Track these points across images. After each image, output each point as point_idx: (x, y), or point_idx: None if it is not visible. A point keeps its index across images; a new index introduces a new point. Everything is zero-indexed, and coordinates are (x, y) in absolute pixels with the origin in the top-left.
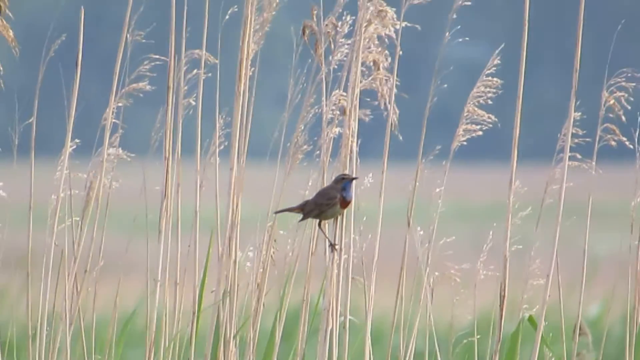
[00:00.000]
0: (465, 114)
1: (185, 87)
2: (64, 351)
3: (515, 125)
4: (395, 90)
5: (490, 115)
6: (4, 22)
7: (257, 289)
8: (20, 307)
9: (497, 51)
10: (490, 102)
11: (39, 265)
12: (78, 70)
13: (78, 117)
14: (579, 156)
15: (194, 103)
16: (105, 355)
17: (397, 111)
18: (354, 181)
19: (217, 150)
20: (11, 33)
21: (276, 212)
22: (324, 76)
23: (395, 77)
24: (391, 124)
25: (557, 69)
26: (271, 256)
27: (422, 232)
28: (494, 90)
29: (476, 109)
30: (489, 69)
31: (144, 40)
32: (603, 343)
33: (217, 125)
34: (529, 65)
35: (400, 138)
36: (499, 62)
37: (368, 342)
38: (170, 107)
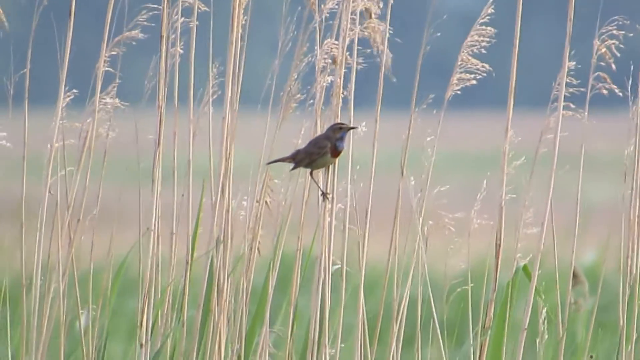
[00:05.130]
0: (459, 63)
1: (173, 36)
2: (58, 301)
3: (511, 74)
4: (388, 35)
5: (484, 64)
6: None
7: (250, 237)
8: (15, 257)
9: (491, 0)
10: (484, 51)
11: (33, 216)
12: (71, 19)
13: (76, 67)
14: (572, 105)
15: (182, 51)
16: (99, 304)
17: (391, 55)
18: (350, 131)
19: (211, 99)
20: None
21: (268, 163)
22: (317, 25)
23: (388, 25)
24: (385, 67)
25: (549, 18)
26: (266, 202)
27: (414, 182)
28: (488, 40)
29: (470, 57)
30: (483, 18)
31: None
32: (599, 291)
33: (211, 74)
34: (524, 14)
35: (394, 80)
36: (492, 11)
37: (361, 290)
38: (164, 56)
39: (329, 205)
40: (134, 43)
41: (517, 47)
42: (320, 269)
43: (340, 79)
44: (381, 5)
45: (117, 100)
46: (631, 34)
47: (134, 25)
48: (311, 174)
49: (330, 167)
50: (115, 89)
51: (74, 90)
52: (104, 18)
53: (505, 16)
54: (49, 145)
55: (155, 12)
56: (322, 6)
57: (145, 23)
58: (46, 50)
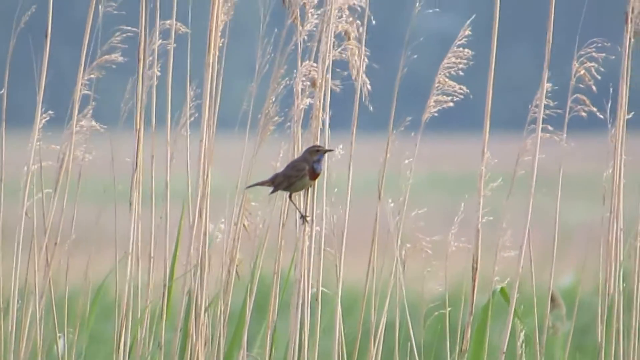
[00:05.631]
0: (436, 85)
1: (151, 58)
2: (35, 324)
3: (487, 96)
4: (366, 60)
5: (461, 86)
6: None
7: (228, 260)
8: None
9: (467, 22)
10: (461, 73)
11: (10, 238)
12: (47, 42)
13: (53, 89)
14: (550, 127)
15: (159, 73)
16: (77, 328)
17: (368, 81)
18: (326, 153)
19: (188, 121)
20: None
21: (247, 187)
22: (299, 44)
23: (364, 48)
24: (362, 94)
25: (526, 40)
26: (244, 225)
27: (392, 204)
28: (465, 62)
29: (447, 80)
30: (460, 40)
31: (115, 12)
32: (575, 314)
33: (188, 96)
34: (500, 36)
35: (371, 109)
36: (469, 33)
37: (339, 314)
38: (141, 78)
39: (308, 229)
40: (113, 66)
41: (493, 69)
42: (299, 293)
43: (320, 101)
44: (361, 30)
45: (94, 122)
46: (613, 57)
47: (110, 48)
48: (290, 197)
49: (310, 189)
50: (90, 111)
51: (50, 112)
52: (79, 40)
53: (482, 38)
54: (25, 168)
55: (129, 33)
56: (301, 28)
57: (119, 45)
58: (21, 71)
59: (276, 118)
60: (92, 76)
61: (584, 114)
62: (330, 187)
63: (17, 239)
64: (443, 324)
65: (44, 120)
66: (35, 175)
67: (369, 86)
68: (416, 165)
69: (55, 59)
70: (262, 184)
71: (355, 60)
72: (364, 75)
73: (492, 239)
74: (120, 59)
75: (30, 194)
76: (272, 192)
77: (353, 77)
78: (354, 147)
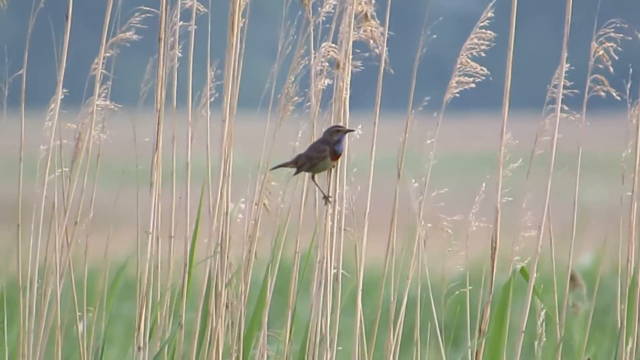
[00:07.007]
0: (458, 66)
1: (172, 39)
2: (55, 304)
3: (506, 76)
4: (387, 35)
5: (483, 67)
6: None
7: (248, 240)
8: (11, 259)
9: (490, 4)
10: (483, 54)
11: (29, 217)
12: (68, 23)
13: (67, 68)
14: (566, 107)
15: (180, 54)
16: (96, 307)
17: (387, 48)
18: (347, 133)
19: (209, 102)
20: None
21: (271, 169)
22: (312, 28)
23: (387, 27)
24: (384, 73)
25: (544, 21)
26: (264, 204)
27: (416, 184)
28: (487, 43)
29: (469, 61)
30: (482, 22)
31: None
32: (595, 294)
33: (209, 76)
34: (519, 17)
35: (392, 71)
36: (492, 15)
37: (359, 293)
38: (162, 58)
39: (330, 209)
40: (127, 45)
41: (512, 50)
42: (322, 273)
43: (343, 82)
44: (377, 6)
45: (110, 102)
46: (630, 38)
47: (128, 28)
48: (312, 177)
49: (332, 170)
50: (107, 91)
51: (65, 90)
52: (97, 19)
53: (500, 19)
54: (41, 146)
55: (149, 14)
56: (319, 9)
57: (138, 25)
58: (38, 51)
59: (295, 98)
60: (107, 54)
61: (602, 94)
62: (350, 167)
63: (35, 218)
64: (463, 303)
65: (58, 100)
66: (55, 153)
67: (386, 55)
68: (437, 145)
69: (70, 39)
70: (285, 165)
71: (375, 39)
72: (385, 49)
73: (512, 218)
74: (135, 37)
75: (51, 171)
76: (296, 173)
77: (375, 53)
78: (377, 127)
